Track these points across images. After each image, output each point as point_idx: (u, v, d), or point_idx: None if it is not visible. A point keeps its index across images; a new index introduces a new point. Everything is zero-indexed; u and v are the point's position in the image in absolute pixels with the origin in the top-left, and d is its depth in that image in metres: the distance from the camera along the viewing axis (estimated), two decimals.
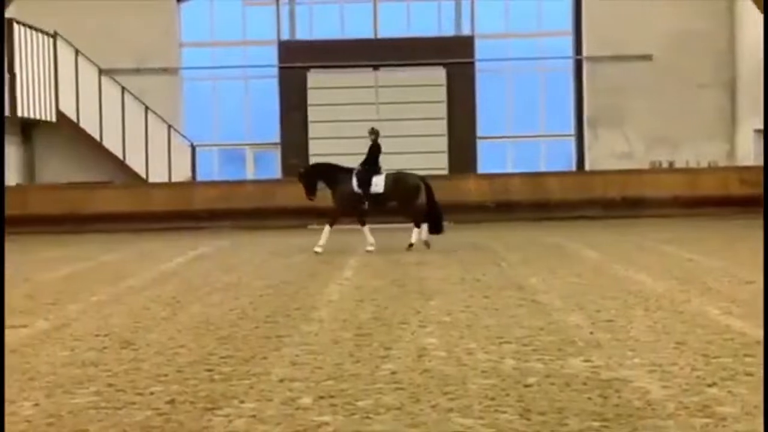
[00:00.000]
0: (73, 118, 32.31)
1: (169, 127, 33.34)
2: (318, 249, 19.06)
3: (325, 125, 33.97)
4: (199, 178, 33.42)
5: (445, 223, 20.34)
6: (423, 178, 20.35)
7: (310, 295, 12.98)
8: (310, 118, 34.29)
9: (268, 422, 6.61)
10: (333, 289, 13.65)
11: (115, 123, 32.89)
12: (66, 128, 32.64)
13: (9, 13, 29.72)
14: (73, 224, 28.75)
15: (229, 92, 35.30)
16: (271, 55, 34.91)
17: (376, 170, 19.99)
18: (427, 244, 19.69)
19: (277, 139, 34.87)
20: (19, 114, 29.78)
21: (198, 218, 27.99)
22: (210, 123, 35.22)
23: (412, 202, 20.02)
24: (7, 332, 10.45)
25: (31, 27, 30.61)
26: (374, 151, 20.09)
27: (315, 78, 34.37)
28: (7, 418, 6.83)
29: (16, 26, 29.68)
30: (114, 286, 14.51)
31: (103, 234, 26.92)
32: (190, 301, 12.73)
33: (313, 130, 34.27)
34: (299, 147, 34.10)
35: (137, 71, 34.05)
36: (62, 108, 32.08)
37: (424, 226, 19.88)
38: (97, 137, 32.60)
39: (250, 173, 35.24)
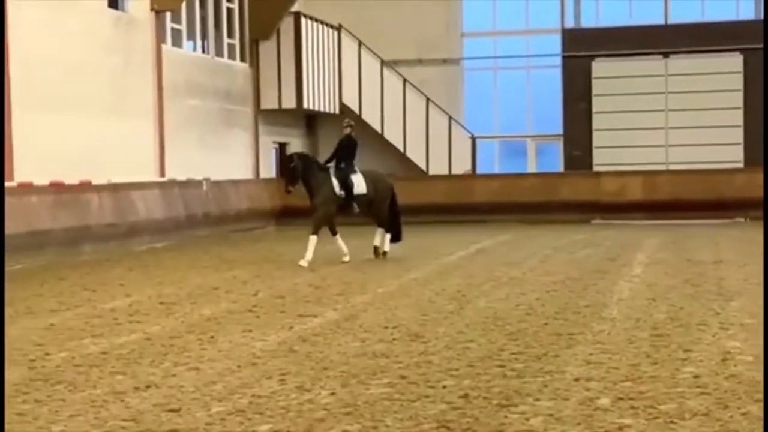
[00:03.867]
0: (356, 110, 32.82)
1: (450, 118, 33.36)
2: (303, 263, 16.45)
3: (610, 116, 33.11)
4: (479, 170, 33.26)
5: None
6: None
7: (599, 292, 12.62)
8: (594, 108, 33.45)
9: (566, 422, 6.38)
10: (623, 286, 13.23)
11: (396, 115, 33.20)
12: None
13: (296, 7, 30.64)
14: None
15: (511, 82, 34.95)
16: (555, 43, 34.25)
17: (353, 169, 17.79)
18: (377, 251, 17.78)
19: (559, 130, 34.22)
20: (305, 106, 30.59)
21: (479, 211, 27.88)
22: (491, 114, 35.07)
23: (385, 204, 18.00)
24: (298, 321, 10.69)
25: (316, 20, 31.42)
26: (350, 146, 18.06)
27: (600, 67, 33.54)
28: (304, 406, 6.90)
29: (303, 20, 30.58)
30: (398, 279, 14.59)
31: None
32: (476, 295, 12.62)
33: (597, 121, 33.44)
34: (582, 139, 33.48)
35: (419, 62, 34.36)
36: (345, 100, 32.75)
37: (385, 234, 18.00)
38: (379, 129, 32.97)
39: (531, 166, 34.86)
